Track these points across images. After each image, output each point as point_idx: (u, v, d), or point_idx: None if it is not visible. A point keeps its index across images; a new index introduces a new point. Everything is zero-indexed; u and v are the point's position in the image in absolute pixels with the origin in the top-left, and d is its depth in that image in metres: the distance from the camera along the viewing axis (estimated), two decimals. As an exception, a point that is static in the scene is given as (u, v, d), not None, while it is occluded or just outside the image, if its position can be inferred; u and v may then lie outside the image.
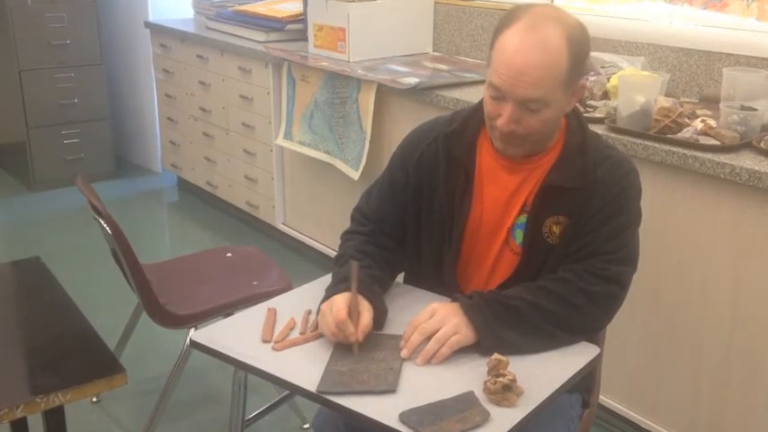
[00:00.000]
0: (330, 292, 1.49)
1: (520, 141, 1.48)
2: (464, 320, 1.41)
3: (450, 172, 1.58)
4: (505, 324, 1.42)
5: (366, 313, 1.43)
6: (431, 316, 1.42)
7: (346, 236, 1.68)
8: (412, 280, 1.70)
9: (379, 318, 1.49)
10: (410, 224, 1.64)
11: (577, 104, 1.57)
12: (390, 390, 1.30)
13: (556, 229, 1.51)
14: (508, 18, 1.43)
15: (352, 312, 1.41)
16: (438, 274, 1.61)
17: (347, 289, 1.44)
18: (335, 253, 1.67)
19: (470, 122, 1.58)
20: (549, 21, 1.40)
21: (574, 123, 1.55)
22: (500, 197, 1.56)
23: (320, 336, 1.47)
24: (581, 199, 1.49)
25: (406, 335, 1.42)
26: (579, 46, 1.42)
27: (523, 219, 1.54)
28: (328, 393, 1.30)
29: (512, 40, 1.40)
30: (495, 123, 1.47)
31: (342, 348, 1.41)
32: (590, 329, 1.50)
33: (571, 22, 1.43)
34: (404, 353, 1.39)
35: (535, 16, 1.40)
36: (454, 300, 1.47)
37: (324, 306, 1.46)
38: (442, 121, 1.64)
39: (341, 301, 1.43)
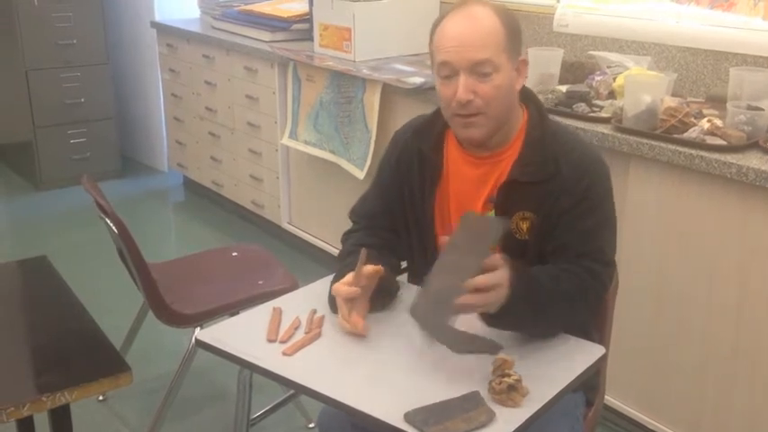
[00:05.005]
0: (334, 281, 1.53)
1: (482, 119, 1.50)
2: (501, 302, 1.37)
3: (422, 168, 1.63)
4: (527, 321, 1.42)
5: (366, 267, 1.47)
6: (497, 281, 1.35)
7: (345, 236, 1.73)
8: (411, 274, 1.73)
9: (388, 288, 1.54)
10: (400, 221, 1.68)
11: (539, 97, 1.61)
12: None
13: (523, 225, 1.53)
14: (438, 17, 1.55)
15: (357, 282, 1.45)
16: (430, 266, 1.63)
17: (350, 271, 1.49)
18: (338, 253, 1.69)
19: (438, 117, 1.62)
20: (475, 3, 1.52)
21: (535, 116, 1.58)
22: (463, 191, 1.59)
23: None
24: (546, 194, 1.50)
25: (475, 283, 1.33)
26: (508, 17, 1.52)
27: (491, 215, 1.56)
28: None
29: (446, 23, 1.51)
30: (453, 105, 1.50)
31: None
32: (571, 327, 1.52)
33: (494, 3, 1.53)
34: (464, 299, 1.32)
35: (461, 4, 1.52)
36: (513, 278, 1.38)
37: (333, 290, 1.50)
38: (420, 118, 1.69)
39: (345, 279, 1.48)
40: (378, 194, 1.71)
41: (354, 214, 1.75)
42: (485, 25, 1.47)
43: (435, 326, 1.36)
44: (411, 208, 1.65)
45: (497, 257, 1.36)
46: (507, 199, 1.53)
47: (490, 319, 1.40)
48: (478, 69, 1.47)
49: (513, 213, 1.52)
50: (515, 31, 1.52)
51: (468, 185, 1.59)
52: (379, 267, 1.48)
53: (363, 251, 1.47)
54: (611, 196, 1.56)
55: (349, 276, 1.47)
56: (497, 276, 1.35)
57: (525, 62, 1.56)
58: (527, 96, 1.60)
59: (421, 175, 1.62)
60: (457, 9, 1.51)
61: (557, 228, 1.50)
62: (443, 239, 1.41)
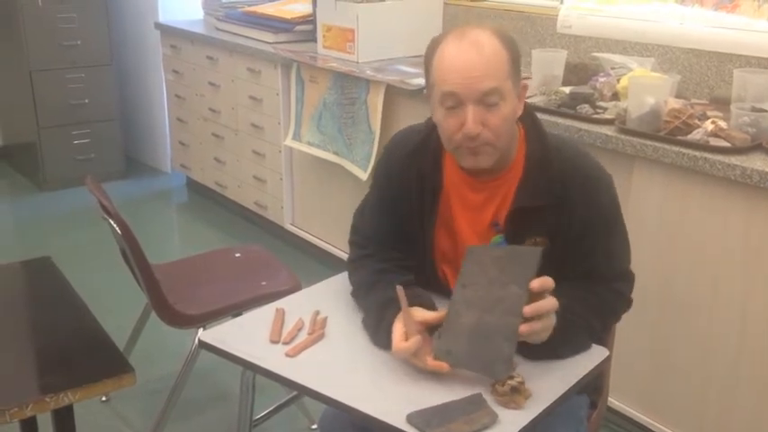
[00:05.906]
0: (376, 329, 1.46)
1: (490, 149, 1.45)
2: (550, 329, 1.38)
3: (421, 189, 1.57)
4: (557, 353, 1.43)
5: (421, 314, 1.40)
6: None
7: (354, 264, 1.65)
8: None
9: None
10: (404, 236, 1.61)
11: (535, 113, 1.57)
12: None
13: None
14: (434, 42, 1.48)
15: (410, 330, 1.38)
16: (437, 284, 1.60)
17: (394, 314, 1.42)
18: (352, 285, 1.63)
19: (432, 132, 1.54)
20: (473, 28, 1.45)
21: (532, 131, 1.53)
22: (465, 215, 1.55)
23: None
24: (557, 217, 1.47)
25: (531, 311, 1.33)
26: (509, 42, 1.46)
27: (499, 239, 1.52)
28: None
29: (448, 51, 1.43)
30: (458, 137, 1.44)
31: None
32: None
33: (492, 26, 1.48)
34: (524, 328, 1.32)
35: (458, 30, 1.46)
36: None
37: (394, 351, 1.40)
38: (414, 132, 1.62)
39: (398, 334, 1.39)
40: (381, 213, 1.63)
41: (360, 236, 1.68)
42: (490, 53, 1.41)
43: (487, 360, 1.31)
44: (410, 227, 1.59)
45: (548, 281, 1.33)
46: (516, 226, 1.49)
47: (528, 350, 1.38)
48: (486, 99, 1.40)
49: (525, 240, 1.48)
50: (517, 55, 1.46)
51: (469, 210, 1.55)
52: (442, 314, 1.39)
53: (401, 291, 1.37)
54: (620, 207, 1.54)
55: (400, 332, 1.38)
56: (549, 303, 1.34)
57: (526, 87, 1.52)
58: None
59: (420, 196, 1.56)
60: (457, 36, 1.43)
61: (577, 251, 1.47)
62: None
